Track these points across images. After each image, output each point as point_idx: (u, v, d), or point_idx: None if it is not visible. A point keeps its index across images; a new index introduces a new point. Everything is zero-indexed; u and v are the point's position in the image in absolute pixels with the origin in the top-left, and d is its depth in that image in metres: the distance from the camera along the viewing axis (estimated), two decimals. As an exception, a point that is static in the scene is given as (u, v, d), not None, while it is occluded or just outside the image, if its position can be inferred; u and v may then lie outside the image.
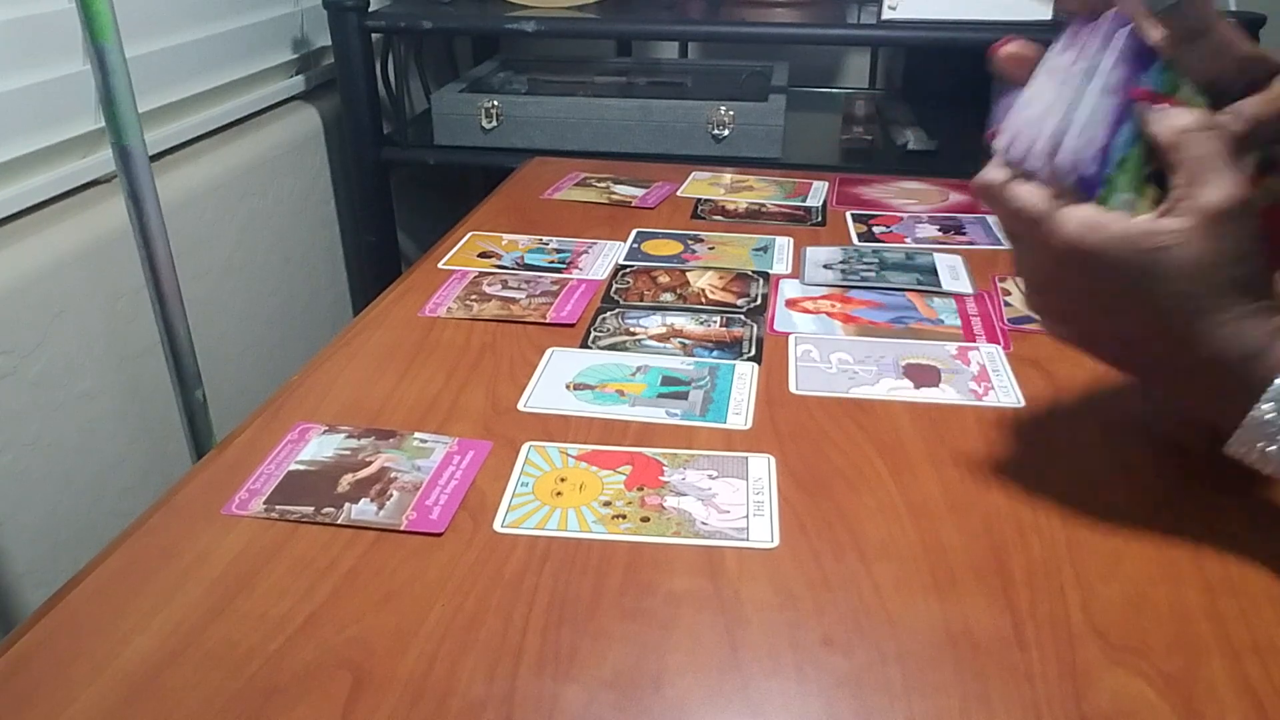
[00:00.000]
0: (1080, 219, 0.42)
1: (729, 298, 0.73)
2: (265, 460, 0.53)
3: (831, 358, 0.64)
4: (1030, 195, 0.44)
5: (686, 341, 0.66)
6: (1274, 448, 0.40)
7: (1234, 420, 0.41)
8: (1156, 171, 0.43)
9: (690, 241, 0.84)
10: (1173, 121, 0.42)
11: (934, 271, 0.77)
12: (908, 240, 0.84)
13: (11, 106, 0.87)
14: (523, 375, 0.62)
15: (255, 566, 0.45)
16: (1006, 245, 0.48)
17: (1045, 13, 1.16)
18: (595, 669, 0.40)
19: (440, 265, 0.79)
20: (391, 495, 0.50)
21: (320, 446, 0.54)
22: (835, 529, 0.48)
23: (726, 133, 1.31)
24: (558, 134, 1.35)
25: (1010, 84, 0.47)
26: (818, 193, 0.97)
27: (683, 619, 0.42)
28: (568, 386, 0.61)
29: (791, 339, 0.67)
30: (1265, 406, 0.39)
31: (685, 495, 0.50)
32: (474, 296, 0.73)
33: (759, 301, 0.72)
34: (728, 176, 1.02)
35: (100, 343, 0.95)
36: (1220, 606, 0.43)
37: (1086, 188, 0.43)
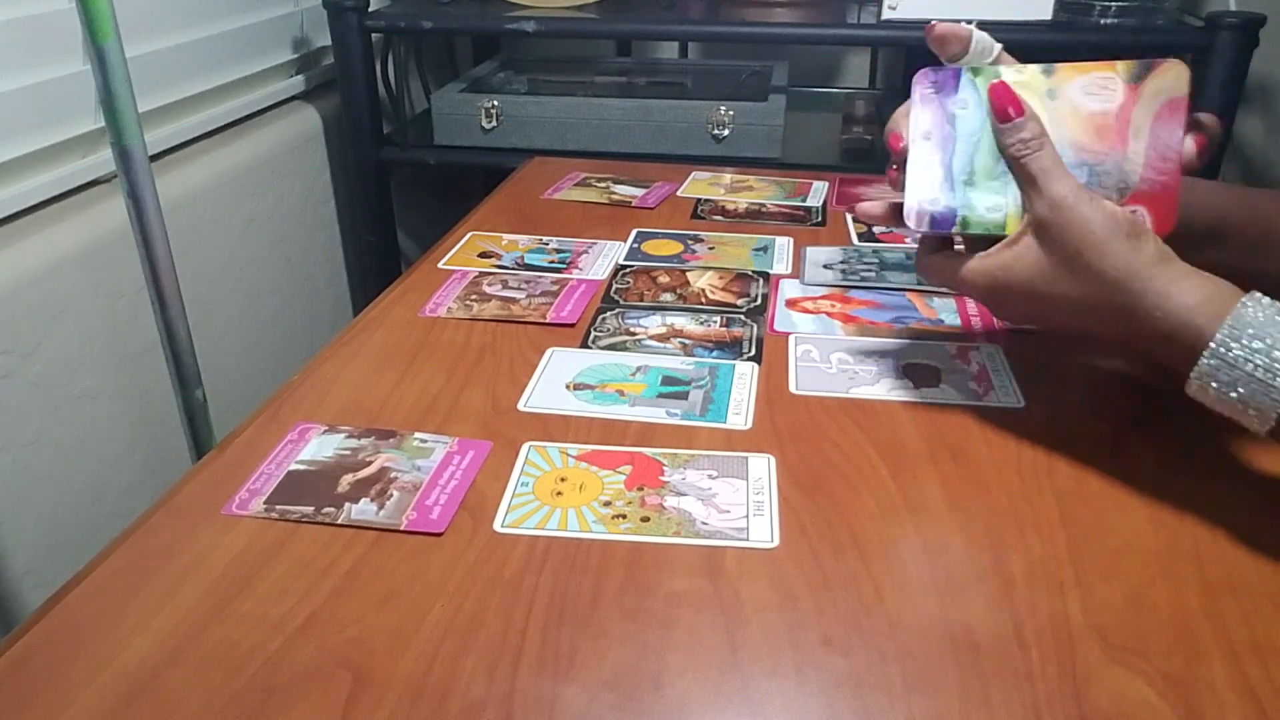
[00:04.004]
0: (952, 274, 0.52)
1: (729, 298, 0.73)
2: (265, 460, 0.53)
3: (831, 358, 0.64)
4: (927, 267, 0.54)
5: (686, 341, 0.66)
6: (1220, 388, 0.44)
7: (1185, 368, 0.45)
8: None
9: (690, 241, 0.84)
10: (1009, 138, 0.49)
11: (934, 271, 0.77)
12: (908, 240, 0.84)
13: (11, 106, 0.87)
14: (523, 375, 0.62)
15: (255, 566, 0.45)
16: None
17: (1045, 12, 1.16)
18: (595, 669, 0.40)
19: (440, 265, 0.79)
20: (391, 495, 0.50)
21: (320, 446, 0.54)
22: (835, 529, 0.48)
23: (726, 133, 1.31)
24: (558, 134, 1.35)
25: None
26: (818, 193, 0.97)
27: (683, 619, 0.42)
28: (568, 386, 0.61)
29: (791, 339, 0.67)
30: (1205, 364, 0.44)
31: (685, 495, 0.50)
32: (474, 296, 0.73)
33: (759, 301, 0.72)
34: (728, 176, 1.02)
35: (100, 343, 0.95)
36: (1220, 606, 0.43)
37: (943, 224, 0.52)
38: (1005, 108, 0.49)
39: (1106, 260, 0.46)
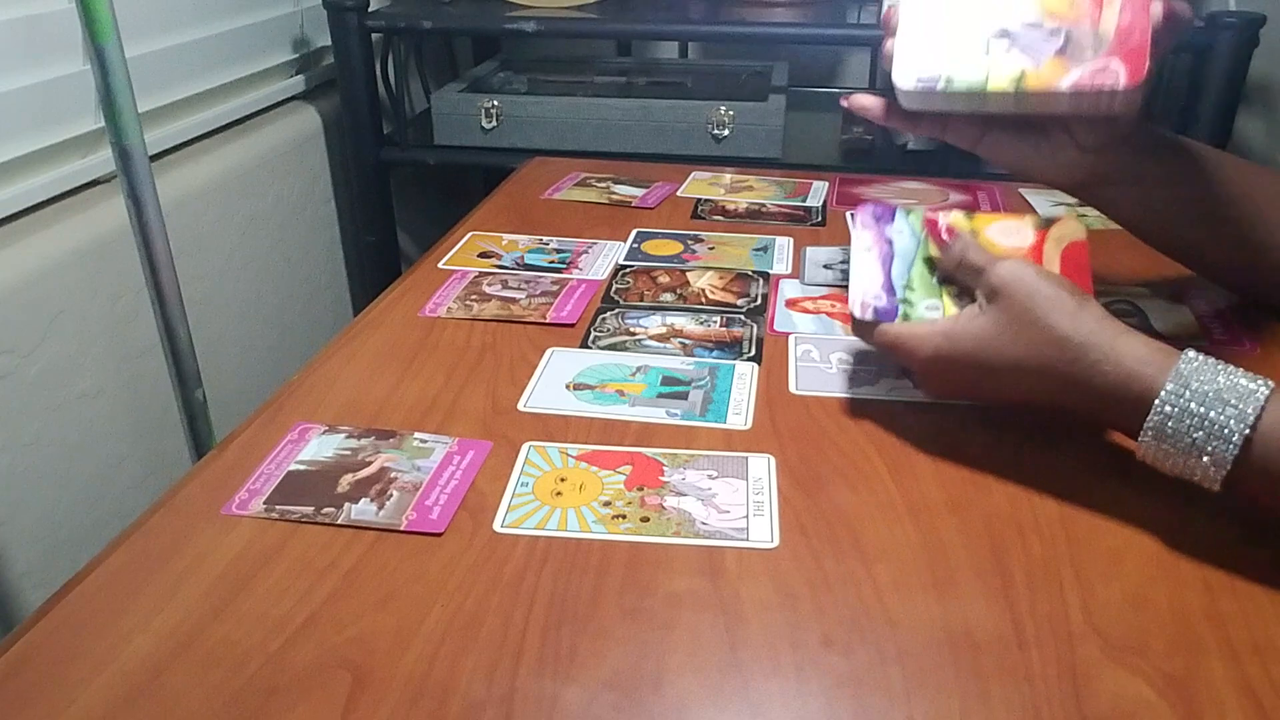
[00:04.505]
0: (897, 335, 0.53)
1: (729, 298, 0.73)
2: (265, 460, 0.53)
3: (831, 358, 0.64)
4: (878, 336, 0.55)
5: (686, 341, 0.66)
6: (1175, 437, 0.44)
7: (1135, 423, 0.46)
8: (943, 278, 0.55)
9: (690, 241, 0.84)
10: (950, 253, 0.54)
11: (934, 271, 0.77)
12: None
13: (11, 106, 0.87)
14: (523, 375, 0.62)
15: (255, 566, 0.45)
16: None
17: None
18: (595, 669, 0.40)
19: (440, 265, 0.79)
20: (391, 495, 0.50)
21: (320, 446, 0.54)
22: (835, 529, 0.48)
23: (726, 133, 1.31)
24: (558, 134, 1.35)
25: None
26: (818, 193, 0.97)
27: (683, 619, 0.42)
28: (568, 386, 0.61)
29: (791, 339, 0.67)
30: (1150, 428, 0.45)
31: (685, 495, 0.50)
32: (474, 296, 0.73)
33: (759, 301, 0.72)
34: (728, 176, 1.02)
35: (100, 343, 0.95)
36: (1220, 606, 0.43)
37: (886, 317, 0.55)
38: (940, 236, 0.56)
39: (1053, 317, 0.48)
